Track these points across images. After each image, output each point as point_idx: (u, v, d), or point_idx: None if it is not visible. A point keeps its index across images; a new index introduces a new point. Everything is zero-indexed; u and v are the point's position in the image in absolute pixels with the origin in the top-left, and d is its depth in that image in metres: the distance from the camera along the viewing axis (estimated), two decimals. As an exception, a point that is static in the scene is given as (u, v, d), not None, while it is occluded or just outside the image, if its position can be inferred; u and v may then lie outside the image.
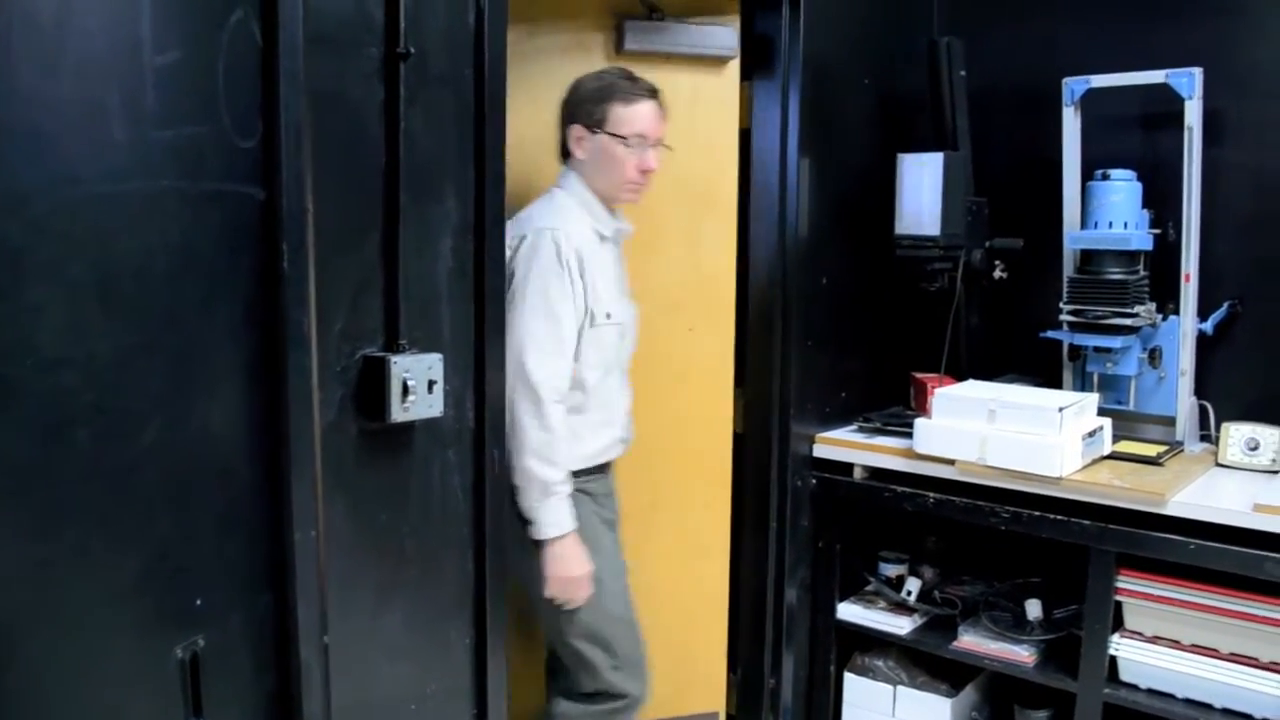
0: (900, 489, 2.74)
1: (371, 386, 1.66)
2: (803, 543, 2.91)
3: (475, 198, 1.82)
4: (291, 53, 1.38)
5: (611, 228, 2.33)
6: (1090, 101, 2.83)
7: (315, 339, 1.51)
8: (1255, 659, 2.30)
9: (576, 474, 2.27)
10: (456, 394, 1.82)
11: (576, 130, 2.29)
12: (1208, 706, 2.35)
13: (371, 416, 1.67)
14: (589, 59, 2.62)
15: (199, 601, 1.40)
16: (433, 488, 1.82)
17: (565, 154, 2.34)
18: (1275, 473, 2.52)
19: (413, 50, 1.64)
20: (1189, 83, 2.63)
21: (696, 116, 2.75)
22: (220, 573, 1.45)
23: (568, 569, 2.22)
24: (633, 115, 2.25)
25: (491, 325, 1.86)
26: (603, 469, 2.41)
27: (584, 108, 2.28)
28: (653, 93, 2.30)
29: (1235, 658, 2.31)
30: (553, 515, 2.19)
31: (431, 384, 1.73)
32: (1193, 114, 2.64)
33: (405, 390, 1.68)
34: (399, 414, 1.68)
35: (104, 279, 1.28)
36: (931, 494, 2.66)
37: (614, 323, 2.30)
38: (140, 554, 1.35)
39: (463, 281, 1.82)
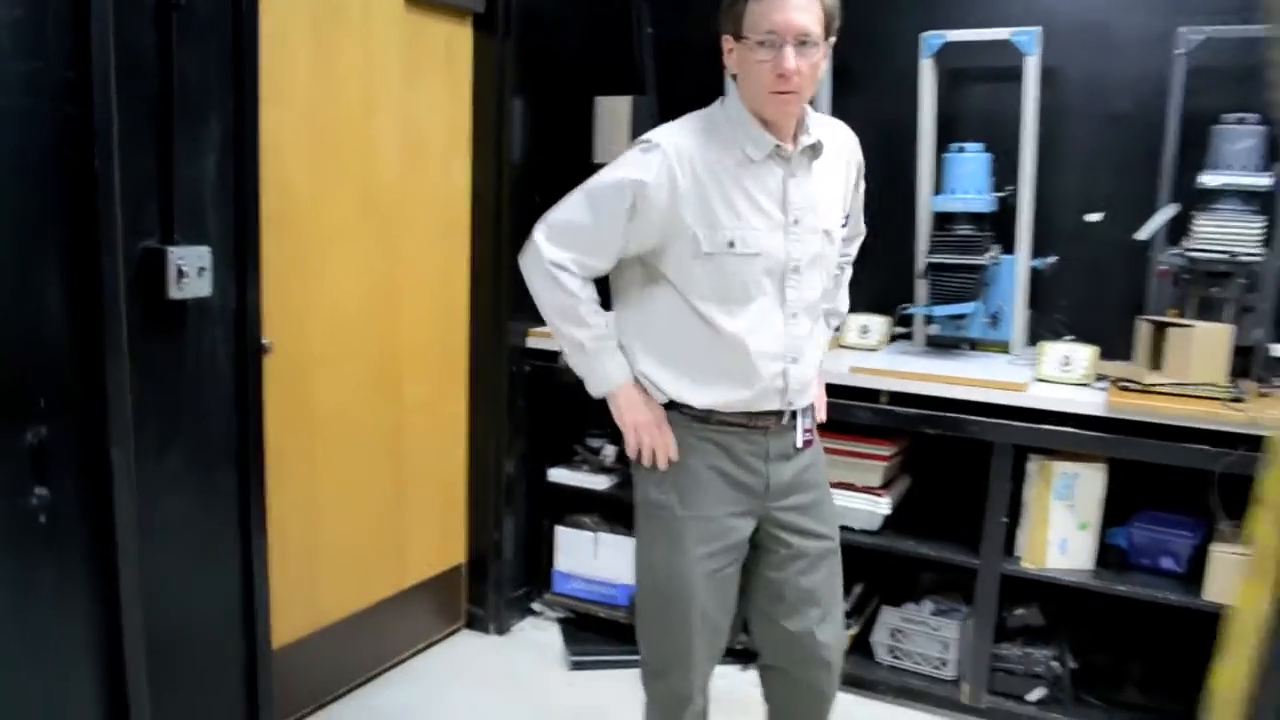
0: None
1: (153, 272, 2.08)
2: (521, 419, 3.50)
3: (235, 121, 2.24)
4: (101, 10, 1.80)
5: (767, 146, 1.96)
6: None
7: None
8: (853, 484, 3.07)
9: (703, 419, 2.04)
10: (222, 281, 2.25)
11: (726, 42, 1.95)
12: (821, 524, 3.11)
13: (154, 296, 2.09)
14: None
15: (42, 402, 1.86)
16: (203, 356, 2.26)
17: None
18: (875, 350, 3.31)
19: (183, 2, 2.05)
20: (820, 45, 3.32)
21: (453, 63, 3.19)
22: (58, 387, 1.90)
23: (630, 416, 2.06)
24: (763, 10, 1.84)
25: (249, 224, 2.29)
26: (746, 424, 2.05)
27: (727, 13, 1.92)
28: None
29: (839, 485, 3.06)
30: (595, 371, 2.07)
31: (201, 270, 2.16)
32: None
33: (180, 275, 2.11)
34: (175, 293, 2.11)
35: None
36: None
37: (741, 253, 1.95)
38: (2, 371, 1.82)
39: (224, 189, 2.24)
